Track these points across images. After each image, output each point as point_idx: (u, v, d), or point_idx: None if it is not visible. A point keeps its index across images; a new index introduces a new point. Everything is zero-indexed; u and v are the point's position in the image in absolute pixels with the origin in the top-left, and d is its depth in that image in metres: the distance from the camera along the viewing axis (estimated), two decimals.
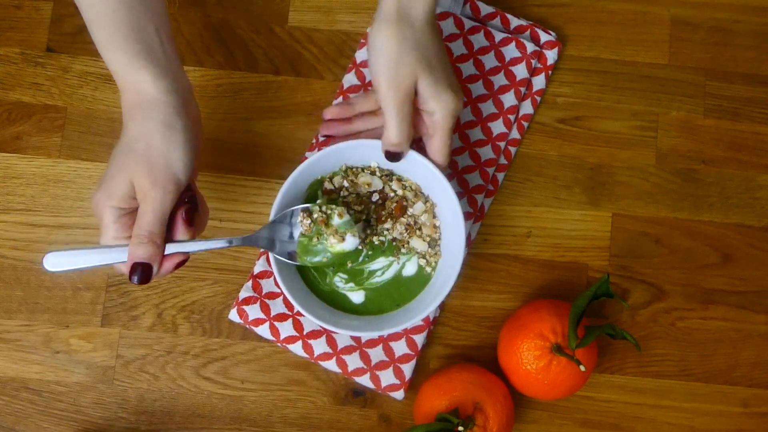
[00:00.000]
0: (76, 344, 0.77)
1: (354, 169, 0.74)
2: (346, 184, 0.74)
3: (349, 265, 0.73)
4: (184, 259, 0.65)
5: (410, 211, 0.74)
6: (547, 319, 0.71)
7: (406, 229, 0.73)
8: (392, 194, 0.74)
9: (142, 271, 0.62)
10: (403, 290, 0.74)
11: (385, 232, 0.74)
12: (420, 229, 0.74)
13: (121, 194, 0.62)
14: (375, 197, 0.74)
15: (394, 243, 0.74)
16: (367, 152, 0.73)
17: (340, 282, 0.73)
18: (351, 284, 0.73)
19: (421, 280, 0.74)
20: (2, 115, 0.80)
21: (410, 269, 0.74)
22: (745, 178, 0.81)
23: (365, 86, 0.80)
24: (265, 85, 0.81)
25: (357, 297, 0.73)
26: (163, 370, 0.77)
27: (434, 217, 0.74)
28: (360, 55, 0.81)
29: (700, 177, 0.81)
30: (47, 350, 0.77)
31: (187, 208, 0.64)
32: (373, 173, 0.74)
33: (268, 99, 0.81)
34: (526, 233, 0.80)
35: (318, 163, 0.72)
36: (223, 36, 0.82)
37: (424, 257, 0.73)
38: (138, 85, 0.62)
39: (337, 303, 0.73)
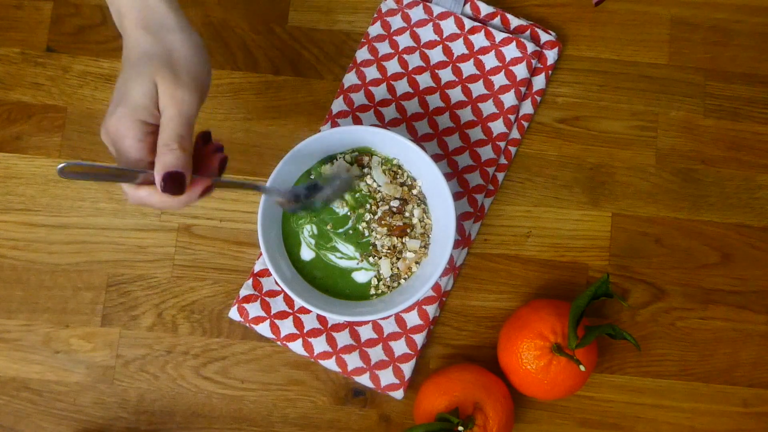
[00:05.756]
0: (76, 344, 0.77)
1: (400, 169, 0.75)
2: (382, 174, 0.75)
3: (328, 227, 0.74)
4: (210, 186, 0.60)
5: (406, 214, 0.74)
6: (547, 319, 0.71)
7: (388, 251, 0.74)
8: (407, 214, 0.74)
9: (175, 180, 0.57)
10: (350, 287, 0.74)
11: (374, 234, 0.74)
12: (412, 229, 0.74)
13: (145, 103, 0.58)
14: (395, 203, 0.74)
15: (371, 247, 0.74)
16: (394, 145, 0.74)
17: (307, 231, 0.74)
18: (312, 240, 0.74)
19: (363, 291, 0.74)
20: (2, 115, 0.80)
21: (361, 278, 0.74)
22: (745, 178, 0.81)
23: (366, 86, 0.80)
24: (265, 85, 0.81)
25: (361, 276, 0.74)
26: (163, 370, 0.77)
27: (426, 214, 0.75)
28: (360, 55, 0.81)
29: (700, 177, 0.81)
30: (47, 350, 0.77)
31: (224, 157, 0.62)
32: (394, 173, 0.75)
33: (268, 99, 0.81)
34: (526, 233, 0.80)
35: (340, 137, 0.73)
36: (223, 36, 0.82)
37: (379, 278, 0.74)
38: (145, 2, 0.61)
39: (311, 276, 0.74)
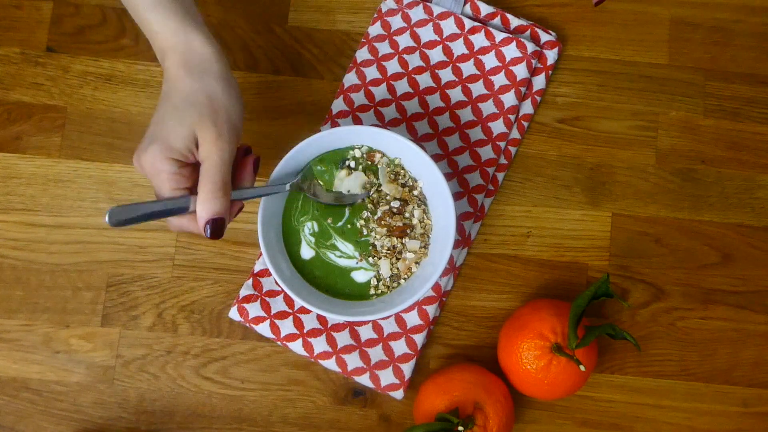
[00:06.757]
0: (76, 344, 0.77)
1: (402, 169, 0.75)
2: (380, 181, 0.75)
3: (329, 221, 0.73)
4: (242, 207, 0.67)
5: (406, 214, 0.74)
6: (547, 318, 0.72)
7: (388, 251, 0.73)
8: (407, 215, 0.74)
9: (218, 226, 0.63)
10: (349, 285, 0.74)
11: (374, 234, 0.74)
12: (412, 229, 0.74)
13: (182, 147, 0.63)
14: (396, 204, 0.74)
15: (370, 248, 0.74)
16: (395, 145, 0.74)
17: (308, 229, 0.74)
18: (312, 239, 0.73)
19: (363, 291, 0.74)
20: (2, 115, 0.80)
21: (360, 277, 0.74)
22: (745, 178, 0.81)
23: (366, 86, 0.80)
24: (265, 85, 0.81)
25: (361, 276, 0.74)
26: (163, 369, 0.77)
27: (426, 214, 0.75)
28: (360, 55, 0.81)
29: (700, 177, 0.81)
30: (47, 350, 0.77)
31: (256, 158, 0.67)
32: (398, 176, 0.75)
33: (268, 99, 0.81)
34: (526, 233, 0.80)
35: (342, 135, 0.73)
36: (223, 36, 0.82)
37: (379, 278, 0.74)
38: (190, 44, 0.65)
39: (312, 276, 0.74)
